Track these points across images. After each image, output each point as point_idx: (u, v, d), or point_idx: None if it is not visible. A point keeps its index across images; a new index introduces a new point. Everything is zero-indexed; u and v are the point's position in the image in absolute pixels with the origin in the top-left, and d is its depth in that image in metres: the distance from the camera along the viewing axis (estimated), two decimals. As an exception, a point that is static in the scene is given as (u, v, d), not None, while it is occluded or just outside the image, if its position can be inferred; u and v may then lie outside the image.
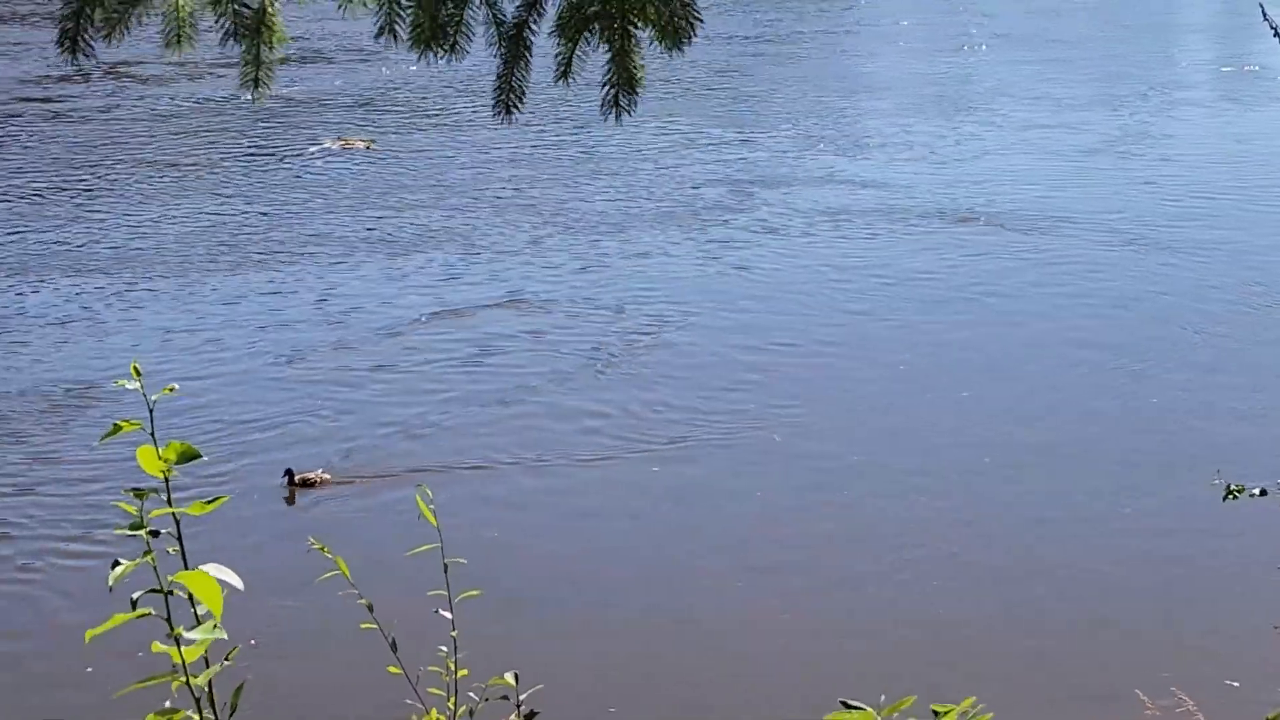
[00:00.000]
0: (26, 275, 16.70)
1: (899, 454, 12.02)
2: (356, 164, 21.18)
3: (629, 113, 4.80)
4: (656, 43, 4.69)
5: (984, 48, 30.13)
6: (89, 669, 8.06)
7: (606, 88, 4.73)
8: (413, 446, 12.24)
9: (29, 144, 22.55)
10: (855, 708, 3.12)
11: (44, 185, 20.34)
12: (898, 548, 10.55)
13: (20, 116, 24.21)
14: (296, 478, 11.25)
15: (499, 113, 4.94)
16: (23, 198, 19.75)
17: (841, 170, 20.52)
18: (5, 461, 12.09)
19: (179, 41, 4.57)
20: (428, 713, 3.48)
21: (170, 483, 3.43)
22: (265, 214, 18.83)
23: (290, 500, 11.08)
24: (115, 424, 3.42)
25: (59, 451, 12.13)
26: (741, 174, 20.30)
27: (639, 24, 4.62)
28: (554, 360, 13.98)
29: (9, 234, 18.18)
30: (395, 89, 26.00)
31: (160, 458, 3.43)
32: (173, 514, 3.43)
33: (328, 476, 11.41)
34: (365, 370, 13.82)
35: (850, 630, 9.56)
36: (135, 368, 3.52)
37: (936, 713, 3.13)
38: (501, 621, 9.06)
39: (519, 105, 4.91)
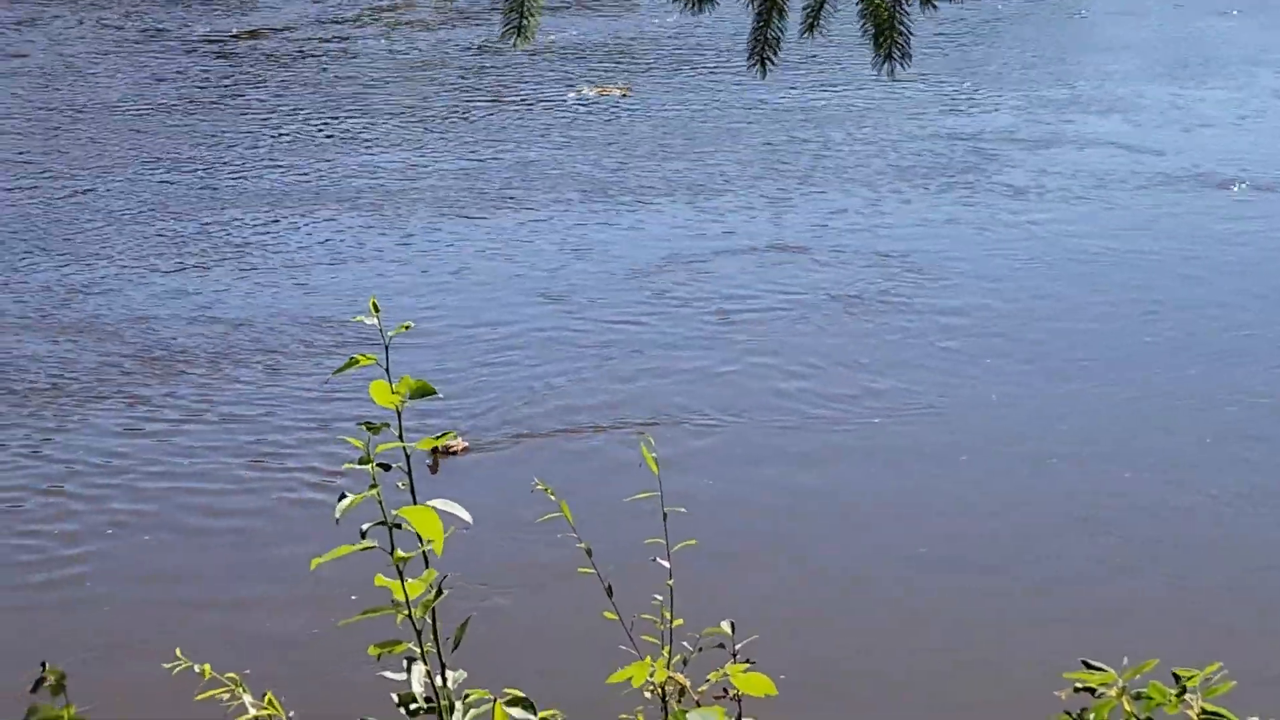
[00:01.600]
0: (295, 209, 17.04)
1: (1113, 424, 11.62)
2: (611, 111, 21.18)
3: (904, 67, 4.65)
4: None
5: (1235, 12, 29.02)
6: (354, 597, 8.08)
7: (879, 43, 4.59)
8: (641, 394, 12.19)
9: (309, 83, 22.99)
10: (1096, 668, 2.99)
11: (318, 123, 20.72)
12: (1105, 521, 10.22)
13: (305, 56, 24.68)
14: (441, 447, 10.66)
15: (753, 65, 4.81)
16: (299, 135, 20.15)
17: (1087, 132, 19.91)
18: (271, 393, 12.34)
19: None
20: (642, 660, 3.39)
21: (402, 418, 3.40)
22: (520, 158, 18.94)
23: (434, 469, 10.85)
24: (351, 358, 3.40)
25: (316, 382, 12.32)
26: (982, 132, 19.83)
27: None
28: (789, 315, 13.81)
29: (287, 169, 18.56)
30: (653, 37, 25.93)
31: (393, 392, 3.40)
32: (403, 449, 3.40)
33: (465, 444, 10.98)
34: (604, 318, 13.80)
35: (1052, 605, 9.28)
36: (373, 303, 3.50)
37: (1178, 676, 2.99)
38: (706, 574, 8.99)
39: (774, 59, 4.77)
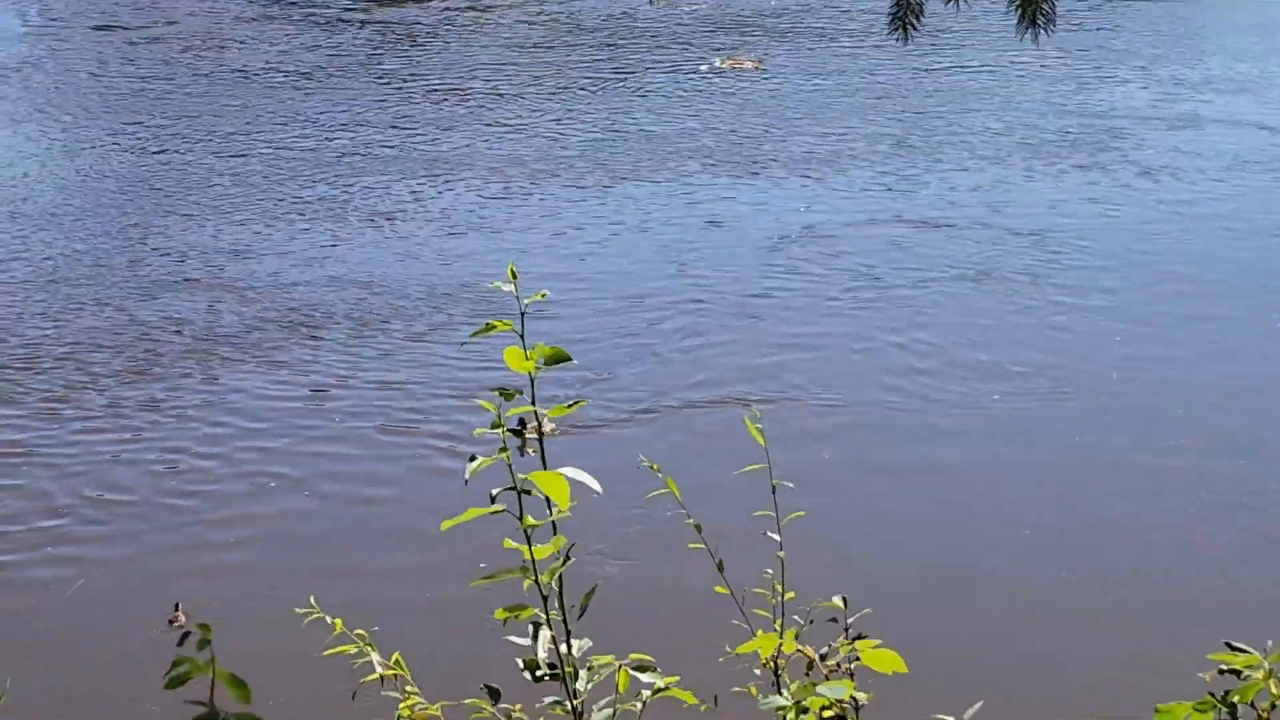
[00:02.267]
0: (433, 177, 17.13)
1: (1236, 412, 11.36)
2: (743, 84, 21.07)
3: (1046, 32, 4.59)
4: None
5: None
6: (482, 564, 8.05)
7: (1024, 9, 4.54)
8: (767, 369, 12.11)
9: (448, 53, 23.09)
10: (1241, 650, 2.92)
11: (454, 92, 20.81)
12: (1223, 507, 10.00)
13: (444, 26, 24.79)
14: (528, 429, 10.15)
15: (895, 30, 4.76)
16: (435, 104, 20.26)
17: (1219, 112, 19.46)
18: (409, 358, 12.42)
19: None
20: (754, 634, 3.36)
21: (535, 384, 3.38)
22: (651, 129, 18.90)
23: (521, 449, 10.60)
24: (486, 323, 3.39)
25: (454, 348, 12.38)
26: (1113, 110, 19.47)
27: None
28: (917, 292, 13.65)
29: (424, 138, 18.67)
30: (788, 9, 25.73)
31: (527, 358, 3.38)
32: (535, 414, 3.38)
33: (554, 426, 10.67)
34: (733, 292, 13.73)
35: (1168, 592, 9.08)
36: (511, 270, 3.48)
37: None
38: (816, 550, 8.94)
39: (917, 24, 4.72)
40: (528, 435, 3.33)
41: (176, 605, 8.88)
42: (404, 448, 10.92)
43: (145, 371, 12.12)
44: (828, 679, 3.42)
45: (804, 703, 3.17)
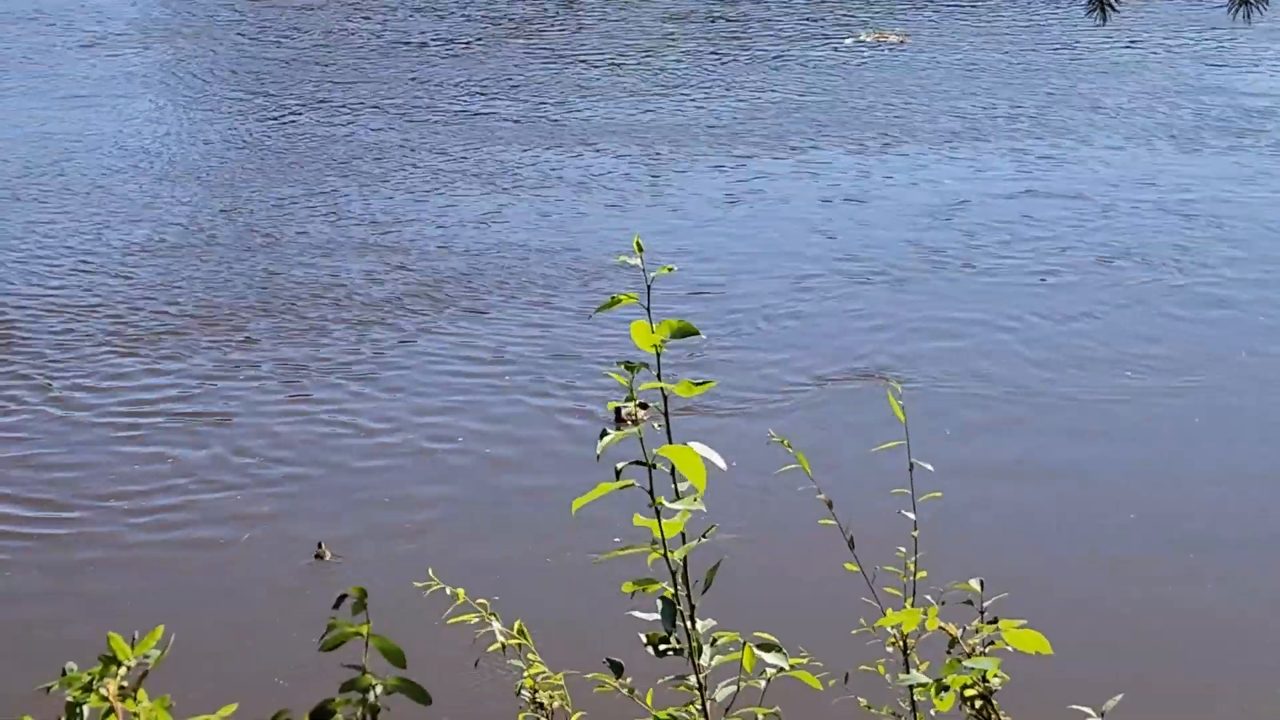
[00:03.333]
0: (575, 148, 17.11)
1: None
2: (888, 57, 20.83)
3: (1261, 11, 4.54)
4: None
5: None
6: (616, 539, 7.89)
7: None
8: (898, 349, 11.91)
9: (598, 24, 23.07)
10: None
11: (603, 62, 20.77)
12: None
13: (582, 4, 24.78)
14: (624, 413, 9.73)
15: (1093, 10, 4.69)
16: (581, 75, 20.25)
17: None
18: (549, 329, 12.39)
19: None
20: (884, 613, 3.30)
21: (661, 360, 3.34)
22: (794, 101, 18.75)
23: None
24: (613, 296, 3.35)
25: (592, 320, 12.36)
26: (1256, 91, 18.96)
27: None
28: (1055, 275, 13.37)
29: (570, 108, 18.67)
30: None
31: (653, 333, 3.34)
32: (661, 390, 3.34)
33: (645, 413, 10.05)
34: (870, 269, 13.53)
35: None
36: (638, 243, 3.44)
37: None
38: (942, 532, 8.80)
39: (1115, 6, 4.64)
40: (639, 417, 3.26)
41: (320, 544, 9.04)
42: (536, 418, 10.87)
43: (309, 336, 12.21)
44: (969, 658, 3.34)
45: (945, 680, 3.09)
